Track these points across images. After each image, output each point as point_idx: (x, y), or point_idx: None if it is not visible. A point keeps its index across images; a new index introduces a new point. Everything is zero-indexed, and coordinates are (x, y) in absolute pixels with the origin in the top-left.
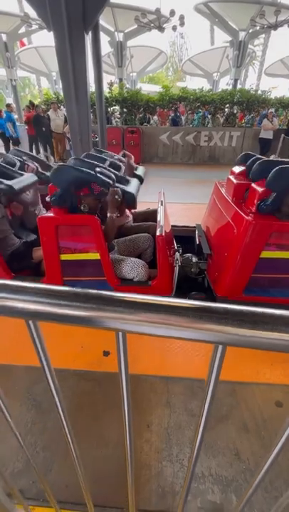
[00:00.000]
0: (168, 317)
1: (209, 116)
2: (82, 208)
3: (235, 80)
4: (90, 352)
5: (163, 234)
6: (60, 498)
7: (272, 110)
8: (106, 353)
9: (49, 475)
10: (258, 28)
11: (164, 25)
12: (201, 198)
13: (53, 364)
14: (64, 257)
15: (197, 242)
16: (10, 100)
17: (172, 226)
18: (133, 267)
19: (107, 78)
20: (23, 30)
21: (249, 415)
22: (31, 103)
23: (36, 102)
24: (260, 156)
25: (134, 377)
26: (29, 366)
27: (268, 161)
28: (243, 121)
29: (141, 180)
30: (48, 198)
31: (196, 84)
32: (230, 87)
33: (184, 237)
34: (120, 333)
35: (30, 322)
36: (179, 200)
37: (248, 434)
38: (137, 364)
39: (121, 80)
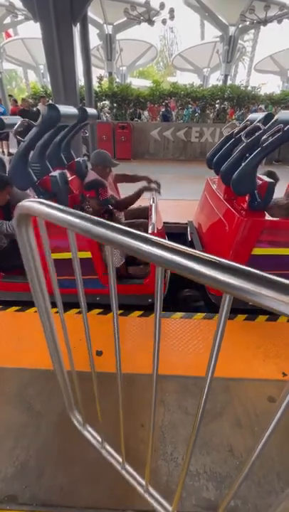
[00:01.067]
0: None
1: (199, 111)
2: (85, 207)
3: (226, 76)
4: (83, 352)
5: (155, 231)
6: (54, 501)
7: (262, 106)
8: (99, 353)
9: (42, 478)
10: (247, 23)
11: (153, 19)
12: (193, 194)
13: (44, 365)
14: (55, 256)
15: (189, 239)
16: None
17: (164, 223)
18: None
19: (96, 72)
20: (8, 20)
21: (242, 411)
22: (12, 98)
23: (23, 96)
24: None
25: (127, 376)
26: (19, 368)
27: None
28: (234, 117)
29: None
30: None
31: (186, 79)
32: (220, 83)
33: (175, 234)
34: None
35: None
36: (170, 197)
37: (242, 430)
38: (130, 363)
39: (110, 73)
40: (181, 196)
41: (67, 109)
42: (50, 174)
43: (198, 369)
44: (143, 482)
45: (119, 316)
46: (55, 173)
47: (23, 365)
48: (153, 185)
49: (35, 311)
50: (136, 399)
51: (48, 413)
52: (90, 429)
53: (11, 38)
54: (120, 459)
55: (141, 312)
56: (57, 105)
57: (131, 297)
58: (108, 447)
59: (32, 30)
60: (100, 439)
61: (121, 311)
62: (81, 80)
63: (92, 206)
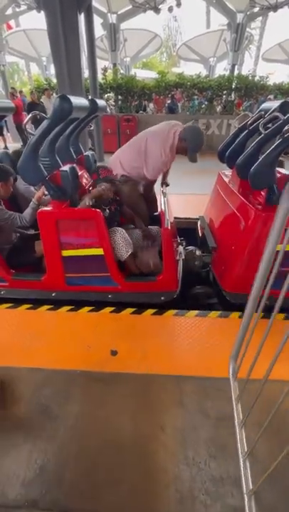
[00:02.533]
0: None
1: (206, 103)
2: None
3: (233, 65)
4: (97, 352)
5: (168, 227)
6: (76, 506)
7: (271, 97)
8: (114, 353)
9: (62, 483)
10: (257, 9)
11: (159, 6)
12: (202, 188)
13: (61, 365)
14: (66, 253)
15: (200, 235)
16: None
17: (174, 218)
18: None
19: (100, 64)
20: (10, 11)
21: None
22: (13, 90)
23: (25, 89)
24: None
25: (143, 377)
26: (33, 368)
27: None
28: (241, 108)
29: None
30: None
31: (191, 70)
32: (227, 73)
33: (185, 230)
34: None
35: None
36: (178, 191)
37: (268, 435)
38: (145, 363)
39: (115, 65)
40: (190, 190)
41: (78, 101)
42: (61, 169)
43: (217, 369)
44: None
45: (131, 314)
46: (66, 167)
47: (37, 364)
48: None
49: (47, 309)
50: (154, 400)
51: (65, 416)
52: None
53: (13, 30)
54: None
55: (154, 310)
56: (69, 96)
57: (143, 295)
58: None
59: (34, 21)
60: None
61: (133, 310)
62: (85, 72)
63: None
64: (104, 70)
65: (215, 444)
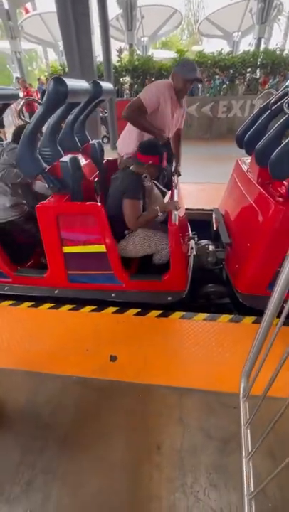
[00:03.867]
0: None
1: (228, 83)
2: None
3: (259, 39)
4: (96, 356)
5: (176, 222)
6: None
7: None
8: (113, 358)
9: (48, 502)
10: None
11: None
12: (219, 177)
13: (57, 369)
14: (67, 249)
15: (214, 228)
16: (17, 75)
17: (186, 209)
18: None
19: (115, 45)
20: None
21: (276, 440)
22: (19, 79)
23: (43, 76)
24: None
25: (142, 388)
26: (29, 372)
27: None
28: (267, 86)
29: None
30: None
31: (213, 47)
32: (252, 48)
33: (198, 222)
34: None
35: None
36: (193, 180)
37: (277, 461)
38: (146, 371)
39: (131, 45)
40: (206, 179)
41: (76, 83)
42: (61, 160)
43: (223, 383)
44: None
45: (135, 316)
46: (66, 158)
47: (33, 367)
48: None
49: (49, 308)
50: (152, 415)
51: (57, 426)
52: None
53: (29, 14)
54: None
55: (159, 312)
56: (64, 78)
57: (148, 294)
58: None
59: (50, 3)
60: None
61: (137, 311)
62: (99, 55)
63: (151, 175)
64: (120, 51)
65: (217, 470)
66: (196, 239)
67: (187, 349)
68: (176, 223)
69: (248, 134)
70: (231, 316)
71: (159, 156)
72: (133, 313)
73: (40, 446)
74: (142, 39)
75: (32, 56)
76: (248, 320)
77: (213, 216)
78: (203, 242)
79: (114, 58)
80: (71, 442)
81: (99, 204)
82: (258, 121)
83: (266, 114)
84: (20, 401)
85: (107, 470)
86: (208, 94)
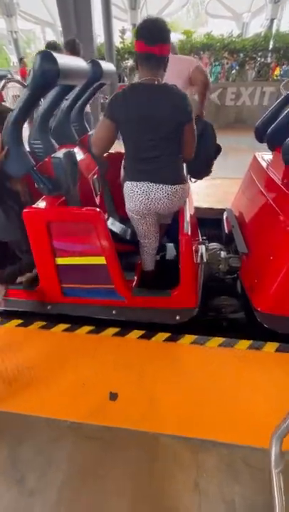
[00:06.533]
0: None
1: (237, 68)
2: None
3: (272, 20)
4: (93, 392)
5: (189, 231)
6: None
7: None
8: (113, 396)
9: None
10: None
11: None
12: (229, 171)
13: (47, 411)
14: (60, 261)
15: (226, 231)
16: (14, 58)
17: (195, 208)
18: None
19: (117, 25)
20: None
21: None
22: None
23: None
24: None
25: (148, 438)
26: (13, 413)
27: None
28: (278, 72)
29: None
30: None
31: (221, 29)
32: (264, 30)
33: (207, 221)
34: None
35: None
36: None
37: None
38: (152, 414)
39: (135, 25)
40: (213, 173)
41: (70, 61)
42: (53, 155)
43: (248, 434)
44: None
45: (138, 339)
46: (60, 152)
47: (18, 408)
48: None
49: (40, 327)
50: (160, 477)
51: (45, 488)
52: None
53: None
54: None
55: (166, 335)
56: (55, 54)
57: (154, 312)
58: None
59: None
60: None
61: (141, 333)
62: (100, 36)
63: None
64: (122, 32)
65: None
66: (206, 244)
67: (200, 385)
68: (189, 232)
69: (272, 127)
70: (251, 342)
71: None
72: (137, 335)
73: None
74: None
75: (30, 37)
76: (271, 347)
77: (225, 216)
78: (213, 245)
79: (117, 40)
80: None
81: (98, 210)
82: (283, 113)
83: None
84: (2, 454)
85: None
86: (211, 80)
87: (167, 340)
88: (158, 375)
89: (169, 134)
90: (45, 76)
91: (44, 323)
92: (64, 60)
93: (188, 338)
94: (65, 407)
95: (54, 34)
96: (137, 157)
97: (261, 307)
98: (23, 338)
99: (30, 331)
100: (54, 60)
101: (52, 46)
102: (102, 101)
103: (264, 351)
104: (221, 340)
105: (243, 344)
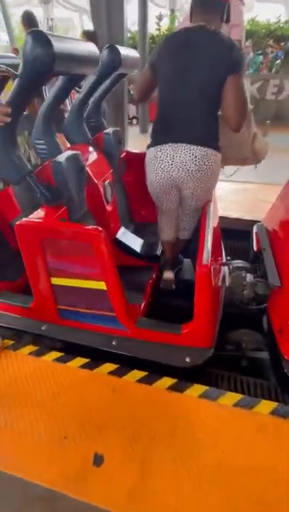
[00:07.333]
0: None
1: (282, 57)
2: None
3: None
4: (75, 451)
5: (209, 263)
6: None
7: None
8: (98, 460)
9: None
10: None
11: None
12: (263, 174)
13: (19, 469)
14: (56, 280)
15: (255, 249)
16: None
17: (219, 218)
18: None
19: (155, 11)
20: None
21: None
22: None
23: None
24: None
25: None
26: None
27: None
28: None
29: None
30: None
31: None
32: None
33: (233, 232)
34: None
35: None
36: (229, 178)
37: None
38: (141, 493)
39: (173, 11)
40: (245, 177)
41: (73, 45)
42: (54, 159)
43: None
44: None
45: (138, 382)
46: (62, 156)
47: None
48: None
49: (29, 353)
50: None
51: None
52: None
53: None
54: None
55: (172, 381)
56: (50, 35)
57: (159, 349)
58: None
59: None
60: None
61: (142, 375)
62: (135, 24)
63: None
64: (159, 18)
65: None
66: (231, 265)
67: (207, 459)
68: (209, 263)
69: None
70: (275, 405)
71: None
72: (136, 377)
73: None
74: (186, 4)
75: (68, 26)
76: None
77: (254, 231)
78: (238, 263)
79: (153, 27)
80: None
81: (100, 228)
82: None
83: None
84: None
85: None
86: (250, 71)
87: (171, 389)
88: (154, 439)
89: (206, 85)
90: (38, 62)
91: (35, 348)
92: (64, 44)
93: (197, 389)
94: (39, 466)
95: (90, 21)
96: (166, 116)
97: None
98: (5, 367)
99: (17, 354)
100: (48, 42)
101: (89, 35)
102: (132, 92)
103: None
104: (236, 397)
105: (266, 407)
